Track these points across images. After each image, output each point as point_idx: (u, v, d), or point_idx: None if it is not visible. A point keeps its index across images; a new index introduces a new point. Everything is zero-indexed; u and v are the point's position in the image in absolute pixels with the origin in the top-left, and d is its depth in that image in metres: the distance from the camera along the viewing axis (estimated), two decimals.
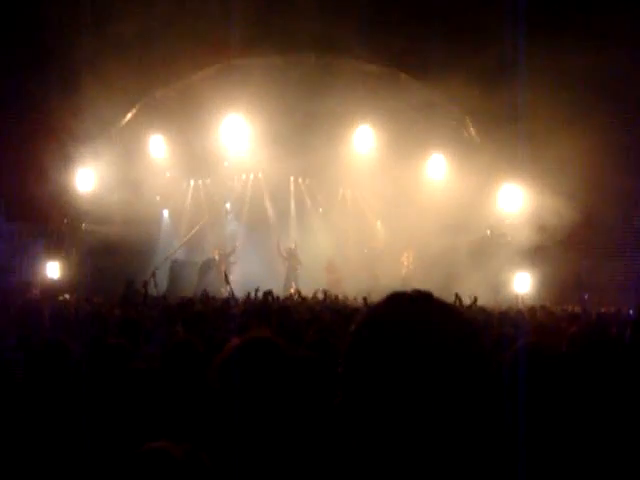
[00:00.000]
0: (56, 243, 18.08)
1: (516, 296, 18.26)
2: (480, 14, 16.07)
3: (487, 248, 20.72)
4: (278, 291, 16.91)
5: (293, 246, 23.78)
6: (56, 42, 15.85)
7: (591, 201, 17.18)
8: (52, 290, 16.52)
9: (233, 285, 15.00)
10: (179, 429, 3.47)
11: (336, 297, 16.26)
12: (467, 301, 12.67)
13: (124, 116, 18.48)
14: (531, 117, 16.85)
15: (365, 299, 11.92)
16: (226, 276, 15.40)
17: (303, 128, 20.49)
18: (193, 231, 22.32)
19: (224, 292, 18.80)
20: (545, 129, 17.19)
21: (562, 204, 17.11)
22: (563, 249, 17.77)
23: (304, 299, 14.94)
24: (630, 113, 17.20)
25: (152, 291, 12.87)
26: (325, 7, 16.20)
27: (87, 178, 18.20)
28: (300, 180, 25.24)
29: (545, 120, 16.96)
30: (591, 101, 16.23)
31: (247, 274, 20.81)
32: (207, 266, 22.12)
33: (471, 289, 14.24)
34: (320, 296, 14.95)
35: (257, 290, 12.37)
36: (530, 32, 15.56)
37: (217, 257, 23.03)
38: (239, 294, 13.93)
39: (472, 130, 19.49)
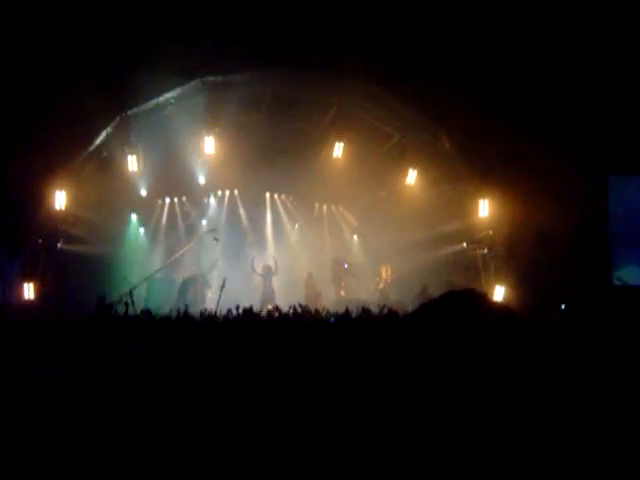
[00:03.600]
0: (31, 264, 17.89)
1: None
2: (455, 28, 16.24)
3: (463, 261, 20.84)
4: (256, 307, 16.87)
5: (272, 263, 23.77)
6: (29, 61, 15.75)
7: (563, 212, 17.39)
8: (28, 311, 16.36)
9: (211, 303, 14.91)
10: None
11: (316, 311, 16.24)
12: None
13: (98, 135, 18.37)
14: (506, 130, 17.06)
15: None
16: (223, 284, 15.40)
17: (277, 143, 20.55)
18: (181, 252, 22.18)
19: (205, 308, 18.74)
20: (520, 141, 17.37)
21: (536, 216, 17.27)
22: (538, 260, 17.96)
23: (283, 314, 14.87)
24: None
25: (130, 309, 12.77)
26: (297, 22, 16.26)
27: (61, 197, 18.04)
28: (276, 196, 25.28)
29: (520, 132, 17.17)
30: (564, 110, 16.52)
31: (224, 291, 20.74)
32: (188, 284, 22.04)
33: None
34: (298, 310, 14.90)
35: (238, 307, 12.33)
36: (506, 46, 15.84)
37: (196, 275, 22.96)
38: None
39: (447, 144, 19.59)
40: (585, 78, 16.57)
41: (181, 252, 22.10)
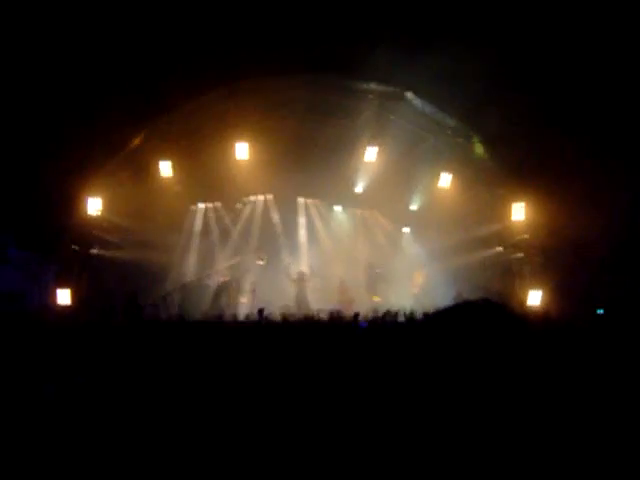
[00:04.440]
0: (66, 270, 18.08)
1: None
2: (487, 32, 16.11)
3: (498, 265, 20.61)
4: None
5: (307, 269, 23.74)
6: (63, 71, 15.93)
7: (600, 217, 17.14)
8: (63, 316, 16.55)
9: (244, 308, 14.93)
10: None
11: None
12: None
13: (132, 141, 18.52)
14: (541, 134, 16.87)
15: None
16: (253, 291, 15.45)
17: (310, 149, 20.49)
18: (228, 263, 22.18)
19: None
20: (553, 146, 17.17)
21: (572, 220, 17.03)
22: (574, 265, 17.71)
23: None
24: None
25: (164, 314, 12.86)
26: (330, 27, 16.24)
27: (95, 203, 18.22)
28: (309, 201, 25.21)
29: (555, 137, 16.98)
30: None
31: (258, 297, 20.77)
32: (222, 290, 22.09)
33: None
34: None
35: (261, 310, 12.33)
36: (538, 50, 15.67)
37: (228, 281, 23.01)
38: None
39: (480, 147, 19.43)
40: (623, 85, 16.32)
41: (228, 264, 22.13)
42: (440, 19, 16.06)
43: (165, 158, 19.36)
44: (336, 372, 5.68)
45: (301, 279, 23.42)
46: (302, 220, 25.18)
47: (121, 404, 5.28)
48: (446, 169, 20.71)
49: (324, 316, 12.42)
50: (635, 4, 15.27)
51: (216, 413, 4.93)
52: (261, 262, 21.02)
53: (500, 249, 20.59)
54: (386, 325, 11.35)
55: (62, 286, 17.74)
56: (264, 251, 21.27)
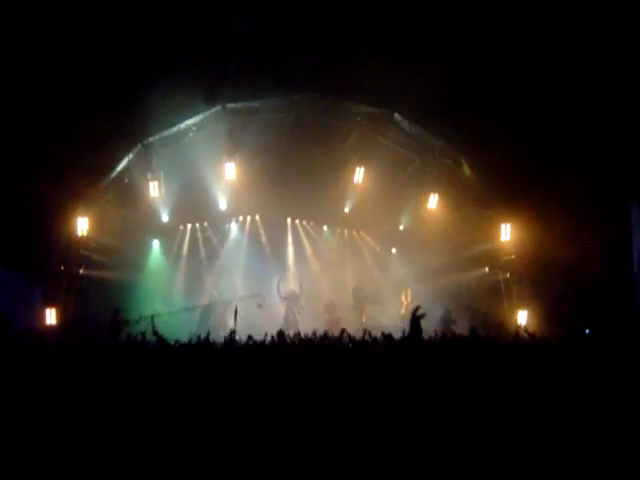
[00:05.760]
0: (53, 290, 18.00)
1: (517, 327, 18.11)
2: (473, 53, 16.25)
3: (486, 285, 20.66)
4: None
5: (298, 288, 23.79)
6: (53, 91, 15.95)
7: (587, 238, 17.30)
8: (50, 336, 16.47)
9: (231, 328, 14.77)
10: None
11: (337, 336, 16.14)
12: None
13: (120, 162, 18.53)
14: (527, 156, 17.00)
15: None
16: (235, 313, 15.35)
17: (299, 170, 20.55)
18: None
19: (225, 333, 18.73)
20: (541, 168, 17.31)
21: (558, 241, 17.12)
22: (561, 285, 17.79)
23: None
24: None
25: (148, 336, 12.77)
26: (318, 49, 16.34)
27: (83, 224, 18.18)
28: (297, 221, 25.25)
29: (541, 159, 17.12)
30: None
31: (245, 316, 20.71)
32: (208, 312, 22.05)
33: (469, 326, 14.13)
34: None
35: (250, 337, 12.27)
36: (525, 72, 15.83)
37: (216, 301, 22.99)
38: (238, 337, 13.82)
39: (468, 169, 19.54)
40: (607, 108, 16.47)
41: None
42: (427, 42, 16.18)
43: (153, 179, 19.35)
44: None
45: (291, 297, 23.45)
46: (290, 240, 25.22)
47: (107, 428, 5.27)
48: (433, 190, 20.80)
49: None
50: (610, 31, 15.45)
51: (200, 434, 4.93)
52: (260, 307, 20.96)
53: (486, 270, 20.65)
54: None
55: (49, 306, 17.65)
56: (262, 297, 21.18)
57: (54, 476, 4.40)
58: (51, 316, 17.62)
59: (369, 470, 4.28)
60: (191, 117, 18.61)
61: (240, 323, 17.57)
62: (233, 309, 21.89)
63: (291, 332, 19.95)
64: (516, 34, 15.93)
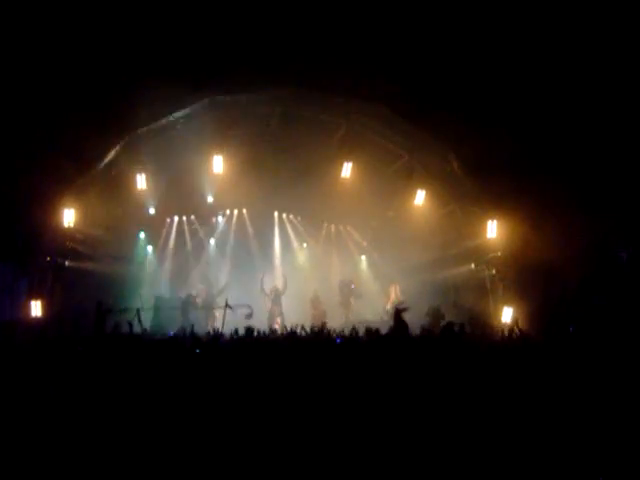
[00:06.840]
0: (39, 282, 17.90)
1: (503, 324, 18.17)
2: (464, 51, 16.28)
3: (472, 281, 20.72)
4: (263, 326, 16.86)
5: (281, 283, 23.79)
6: (39, 83, 15.85)
7: (572, 235, 17.35)
8: (35, 328, 16.40)
9: (218, 322, 14.84)
10: None
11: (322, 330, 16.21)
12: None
13: (107, 154, 18.45)
14: (515, 155, 17.05)
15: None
16: (226, 304, 15.39)
17: (286, 164, 20.56)
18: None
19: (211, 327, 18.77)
20: (528, 166, 17.36)
21: (543, 237, 17.19)
22: (546, 281, 17.87)
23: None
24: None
25: (136, 328, 12.77)
26: (306, 42, 16.31)
27: (69, 215, 18.08)
28: (284, 215, 25.29)
29: (529, 157, 17.17)
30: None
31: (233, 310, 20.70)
32: (187, 303, 21.95)
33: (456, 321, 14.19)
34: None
35: (236, 331, 12.33)
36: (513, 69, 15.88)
37: (201, 293, 22.95)
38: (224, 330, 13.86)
39: (455, 165, 19.57)
40: (595, 107, 16.52)
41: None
42: (416, 38, 16.19)
43: (140, 171, 19.30)
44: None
45: (275, 294, 23.47)
46: (277, 234, 25.27)
47: (92, 417, 5.28)
48: (421, 186, 20.82)
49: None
50: (606, 40, 15.52)
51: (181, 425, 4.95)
52: (248, 319, 20.90)
53: (472, 266, 20.71)
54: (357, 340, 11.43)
55: (34, 298, 17.56)
56: (251, 309, 21.09)
57: (39, 465, 4.41)
58: (36, 308, 17.51)
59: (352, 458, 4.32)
60: (179, 110, 18.54)
61: (227, 320, 17.57)
62: (214, 311, 21.88)
63: (276, 327, 20.04)
64: (505, 32, 15.95)
